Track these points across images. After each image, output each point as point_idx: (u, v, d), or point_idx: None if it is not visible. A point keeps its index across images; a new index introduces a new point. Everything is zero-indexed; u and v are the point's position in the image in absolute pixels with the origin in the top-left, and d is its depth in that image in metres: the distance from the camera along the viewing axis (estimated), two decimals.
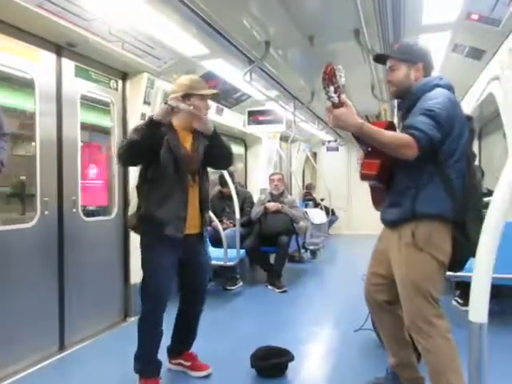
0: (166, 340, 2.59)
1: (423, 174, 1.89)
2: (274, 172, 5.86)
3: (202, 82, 2.43)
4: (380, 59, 2.21)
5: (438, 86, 1.95)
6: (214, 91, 2.50)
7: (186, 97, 2.30)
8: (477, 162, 5.15)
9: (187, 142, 2.42)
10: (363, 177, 2.02)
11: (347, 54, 3.90)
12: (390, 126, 1.98)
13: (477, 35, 3.24)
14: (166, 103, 2.17)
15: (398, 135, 1.83)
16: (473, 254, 1.65)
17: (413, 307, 1.93)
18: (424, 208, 1.88)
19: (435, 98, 1.86)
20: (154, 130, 2.17)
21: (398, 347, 2.22)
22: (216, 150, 2.41)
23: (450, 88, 1.97)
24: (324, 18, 3.24)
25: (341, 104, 1.83)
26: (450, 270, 2.01)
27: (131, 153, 2.21)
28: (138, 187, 2.39)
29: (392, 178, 2.02)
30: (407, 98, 2.03)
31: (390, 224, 2.05)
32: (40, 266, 2.82)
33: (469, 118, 2.00)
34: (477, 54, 3.52)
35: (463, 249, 1.89)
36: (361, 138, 1.94)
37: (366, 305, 2.30)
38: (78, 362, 2.83)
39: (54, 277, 2.93)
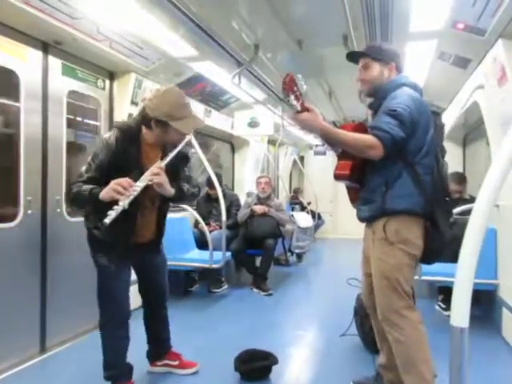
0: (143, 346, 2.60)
1: (393, 171, 1.95)
2: (261, 175, 5.86)
3: (184, 106, 2.08)
4: (353, 58, 2.23)
5: (403, 84, 2.01)
6: (196, 126, 2.20)
7: (162, 124, 2.03)
8: (461, 169, 5.25)
9: (152, 159, 2.12)
10: (336, 177, 2.10)
11: (335, 58, 3.90)
12: (360, 128, 2.03)
13: (462, 44, 3.30)
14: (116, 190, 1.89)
15: (363, 137, 1.88)
16: (444, 244, 1.95)
17: (384, 300, 1.99)
18: (394, 204, 1.94)
19: (398, 97, 1.93)
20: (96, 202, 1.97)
21: (389, 348, 2.20)
22: (179, 202, 2.48)
23: (415, 87, 2.03)
24: (313, 23, 3.27)
25: (304, 109, 1.87)
26: (424, 262, 2.11)
27: (75, 205, 2.19)
28: None
29: (365, 177, 2.09)
30: (377, 97, 2.11)
31: (365, 221, 2.13)
32: (22, 265, 2.77)
33: (435, 113, 2.07)
34: (462, 62, 3.59)
35: (435, 240, 1.96)
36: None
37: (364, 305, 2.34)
38: (59, 364, 2.78)
39: (36, 277, 2.88)
